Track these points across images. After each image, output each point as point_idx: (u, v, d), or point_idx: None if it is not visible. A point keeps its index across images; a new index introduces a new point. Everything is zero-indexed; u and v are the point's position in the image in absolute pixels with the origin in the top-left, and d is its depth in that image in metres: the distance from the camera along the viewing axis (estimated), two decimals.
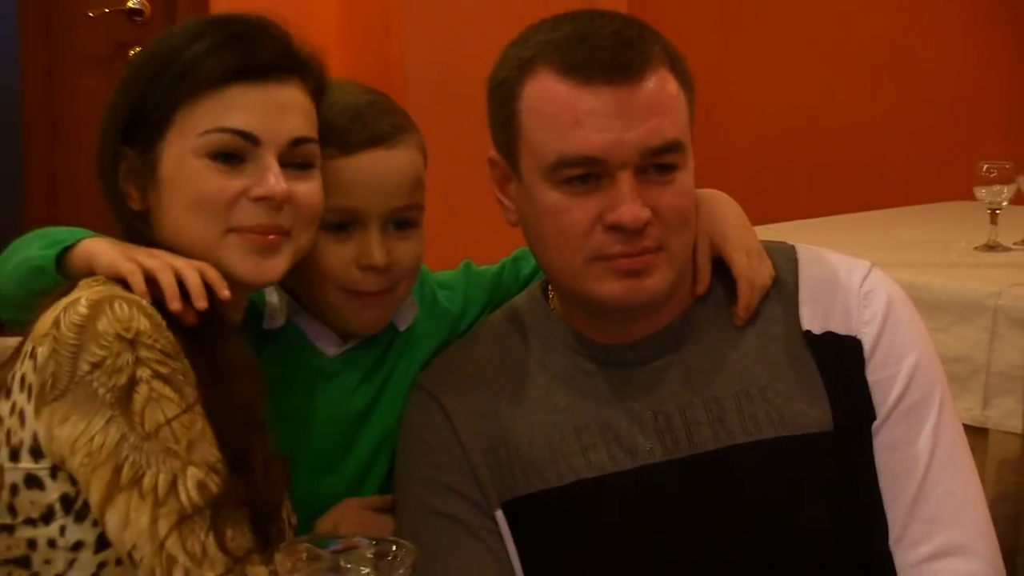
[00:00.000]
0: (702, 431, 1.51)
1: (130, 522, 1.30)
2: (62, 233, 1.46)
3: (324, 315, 1.61)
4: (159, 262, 1.39)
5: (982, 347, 2.52)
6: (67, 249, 1.43)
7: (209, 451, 1.34)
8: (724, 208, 1.62)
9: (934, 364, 1.57)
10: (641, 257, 1.48)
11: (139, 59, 1.48)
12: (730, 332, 1.56)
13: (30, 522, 1.35)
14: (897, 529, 1.51)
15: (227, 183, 1.43)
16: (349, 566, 1.19)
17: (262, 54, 1.45)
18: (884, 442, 1.53)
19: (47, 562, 1.35)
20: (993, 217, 2.95)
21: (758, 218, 1.70)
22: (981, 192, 2.96)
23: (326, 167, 1.51)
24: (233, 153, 1.43)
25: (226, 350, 1.40)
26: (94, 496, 1.31)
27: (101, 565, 1.35)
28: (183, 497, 1.30)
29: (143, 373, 1.31)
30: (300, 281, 1.58)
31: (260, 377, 1.43)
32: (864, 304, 1.56)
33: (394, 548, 1.21)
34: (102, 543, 1.34)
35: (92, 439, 1.30)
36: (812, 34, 4.41)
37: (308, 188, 1.47)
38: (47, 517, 1.34)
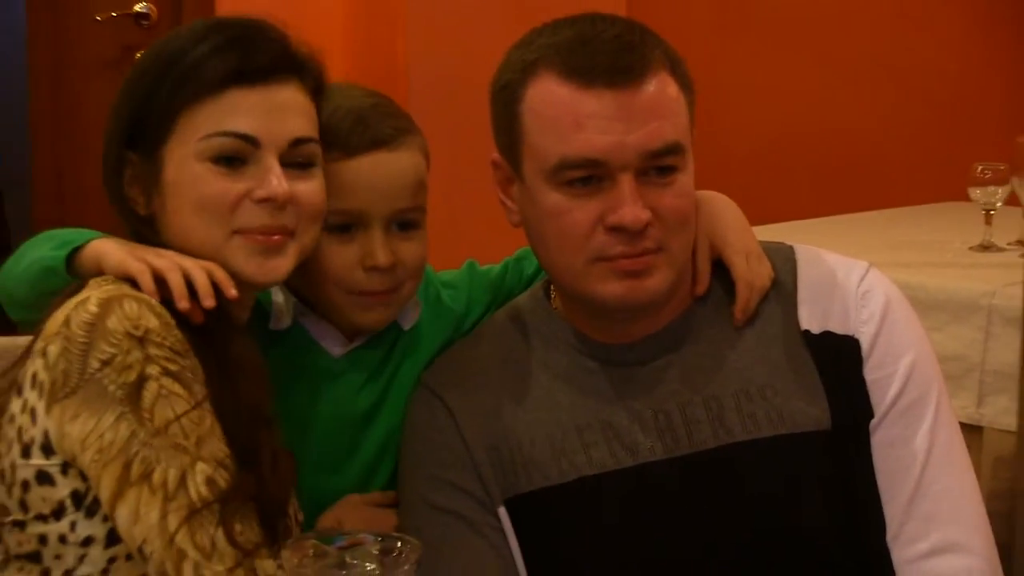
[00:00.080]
0: (702, 429, 1.52)
1: (140, 517, 1.31)
2: (71, 234, 1.47)
3: (329, 315, 1.62)
4: (167, 261, 1.40)
5: (977, 346, 2.52)
6: (77, 250, 1.44)
7: (218, 447, 1.35)
8: (724, 210, 1.63)
9: (931, 363, 1.58)
10: (642, 258, 1.49)
11: (139, 66, 1.48)
12: (729, 332, 1.57)
13: (41, 518, 1.36)
14: (894, 526, 1.52)
15: (230, 186, 1.44)
16: (355, 562, 1.20)
17: (261, 56, 1.45)
18: (882, 440, 1.54)
19: (57, 557, 1.36)
20: (987, 218, 2.96)
21: (756, 218, 1.70)
22: (976, 193, 2.97)
23: (329, 170, 1.52)
24: (234, 156, 1.44)
25: (233, 348, 1.41)
26: (105, 492, 1.32)
27: (111, 560, 1.36)
28: (192, 492, 1.31)
29: (152, 370, 1.32)
30: (305, 282, 1.59)
31: (267, 375, 1.44)
32: (862, 304, 1.57)
33: (399, 544, 1.22)
34: (112, 538, 1.35)
35: (102, 436, 1.31)
36: (809, 38, 4.41)
37: (310, 187, 1.48)
38: (58, 513, 1.35)
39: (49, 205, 3.79)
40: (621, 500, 1.52)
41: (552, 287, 1.63)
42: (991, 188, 2.95)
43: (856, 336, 1.56)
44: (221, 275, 1.41)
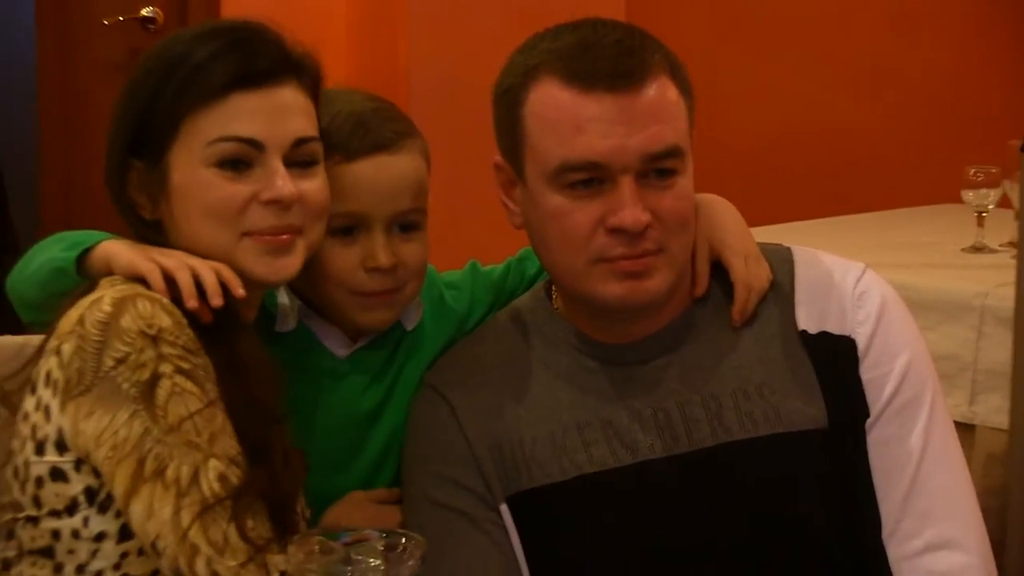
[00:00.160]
0: (701, 428, 1.53)
1: (154, 513, 1.32)
2: (81, 236, 1.48)
3: (333, 316, 1.62)
4: (176, 261, 1.41)
5: (969, 345, 2.54)
6: (87, 251, 1.45)
7: (229, 444, 1.36)
8: (723, 213, 1.64)
9: (926, 363, 1.59)
10: (642, 259, 1.50)
11: (140, 70, 1.49)
12: (728, 332, 1.58)
13: (54, 514, 1.37)
14: (890, 523, 1.53)
15: (237, 190, 1.45)
16: (360, 558, 1.20)
17: (261, 60, 1.46)
18: (877, 439, 1.55)
19: (70, 552, 1.37)
20: (980, 220, 2.97)
21: (753, 220, 1.71)
22: (968, 195, 2.99)
23: (331, 173, 1.53)
24: (240, 160, 1.45)
25: (242, 347, 1.42)
26: (118, 488, 1.34)
27: (123, 555, 1.37)
28: (205, 488, 1.32)
29: (166, 368, 1.34)
30: (309, 284, 1.60)
31: (276, 373, 1.45)
32: (858, 305, 1.58)
33: (404, 540, 1.22)
34: (124, 534, 1.37)
35: (117, 433, 1.33)
36: (804, 42, 4.43)
37: (314, 185, 1.49)
38: (71, 509, 1.37)
39: (57, 207, 3.79)
40: (621, 497, 1.53)
41: (553, 287, 1.64)
42: (983, 191, 2.97)
43: (852, 336, 1.57)
44: (229, 274, 1.42)
